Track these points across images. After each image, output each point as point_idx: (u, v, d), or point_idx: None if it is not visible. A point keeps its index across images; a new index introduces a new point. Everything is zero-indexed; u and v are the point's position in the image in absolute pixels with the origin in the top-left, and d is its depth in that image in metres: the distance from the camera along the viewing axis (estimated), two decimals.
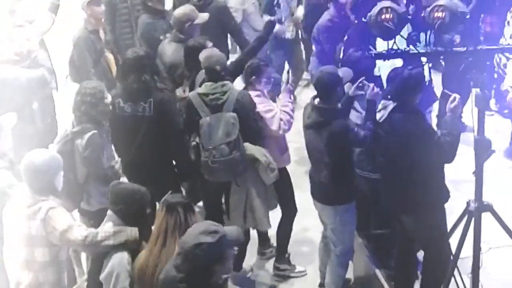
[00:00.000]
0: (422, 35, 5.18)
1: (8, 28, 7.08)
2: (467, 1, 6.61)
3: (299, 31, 8.85)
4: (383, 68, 5.75)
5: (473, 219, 5.05)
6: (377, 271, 5.33)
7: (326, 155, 5.39)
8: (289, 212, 6.07)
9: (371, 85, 5.31)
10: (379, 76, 5.79)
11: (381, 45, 5.29)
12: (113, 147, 5.71)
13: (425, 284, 5.44)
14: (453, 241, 5.25)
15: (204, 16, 6.74)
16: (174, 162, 5.94)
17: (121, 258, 4.35)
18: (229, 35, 7.69)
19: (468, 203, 5.10)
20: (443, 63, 7.62)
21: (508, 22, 6.80)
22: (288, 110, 5.84)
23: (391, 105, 5.12)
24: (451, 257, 5.13)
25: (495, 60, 5.13)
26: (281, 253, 6.21)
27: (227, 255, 3.75)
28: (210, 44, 6.17)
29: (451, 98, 5.01)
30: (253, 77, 5.88)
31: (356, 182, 5.59)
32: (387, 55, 5.10)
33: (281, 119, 5.80)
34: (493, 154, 5.10)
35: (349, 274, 5.88)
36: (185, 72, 6.30)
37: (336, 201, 5.51)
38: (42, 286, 4.61)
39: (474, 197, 5.06)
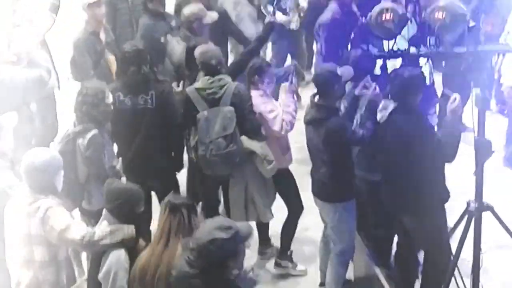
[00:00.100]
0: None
1: (8, 28, 7.09)
2: (467, 2, 6.60)
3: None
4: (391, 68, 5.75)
5: (473, 219, 5.04)
6: (378, 272, 5.33)
7: (324, 152, 5.43)
8: (296, 210, 6.10)
9: (373, 85, 5.32)
10: (379, 76, 5.79)
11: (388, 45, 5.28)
12: (114, 146, 5.73)
13: (425, 284, 5.44)
14: (454, 241, 5.26)
15: (213, 15, 6.78)
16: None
17: (118, 256, 4.38)
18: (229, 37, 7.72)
19: (468, 203, 5.10)
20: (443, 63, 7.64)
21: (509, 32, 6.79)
22: (290, 111, 5.84)
23: (391, 105, 5.12)
24: (451, 257, 5.13)
25: (492, 61, 5.14)
26: (284, 250, 6.23)
27: (240, 250, 3.80)
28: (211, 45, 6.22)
29: (451, 99, 5.01)
30: (256, 76, 5.90)
31: (355, 181, 5.60)
32: (387, 55, 5.11)
33: (283, 120, 5.81)
34: (493, 154, 5.11)
35: (350, 274, 5.88)
36: (185, 72, 6.33)
37: (334, 198, 5.53)
38: (41, 286, 4.62)
39: (475, 197, 5.06)
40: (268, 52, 9.38)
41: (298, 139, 6.33)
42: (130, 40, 7.49)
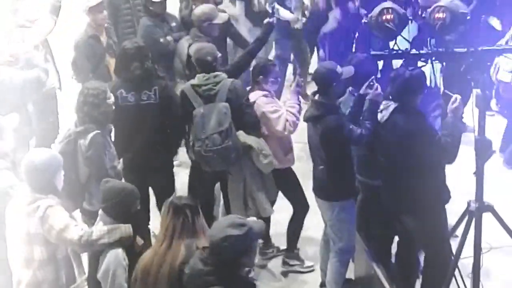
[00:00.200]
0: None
1: (8, 28, 7.09)
2: (468, 1, 6.61)
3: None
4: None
5: (474, 219, 5.05)
6: (378, 272, 5.33)
7: (322, 149, 5.46)
8: (301, 209, 6.12)
9: (376, 85, 5.32)
10: (381, 76, 5.79)
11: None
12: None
13: (425, 284, 5.44)
14: (454, 241, 5.26)
15: (223, 17, 6.84)
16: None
17: (116, 255, 4.40)
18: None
19: (468, 203, 5.09)
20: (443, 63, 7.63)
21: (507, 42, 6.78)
22: (294, 112, 5.85)
23: (392, 105, 5.13)
24: (452, 257, 5.13)
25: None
26: (291, 249, 6.26)
27: (253, 247, 3.83)
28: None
29: (452, 99, 5.01)
30: (261, 76, 5.93)
31: (354, 180, 5.61)
32: (388, 56, 5.10)
33: (287, 120, 5.82)
34: (494, 154, 5.11)
35: (350, 274, 5.88)
36: (186, 71, 6.35)
37: (332, 197, 5.55)
38: (40, 285, 4.63)
39: (475, 197, 5.06)
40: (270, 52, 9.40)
41: (301, 139, 6.34)
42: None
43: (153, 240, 5.41)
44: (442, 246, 5.22)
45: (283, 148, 5.99)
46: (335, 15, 7.23)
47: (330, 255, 5.72)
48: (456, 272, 5.14)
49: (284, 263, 6.28)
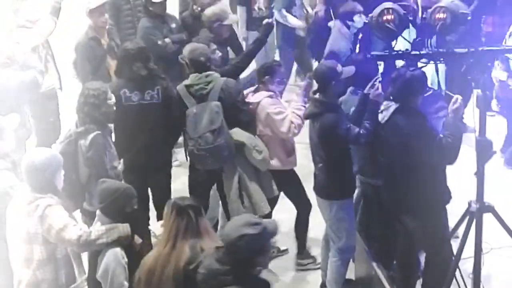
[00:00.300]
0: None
1: (8, 28, 7.09)
2: (469, 2, 6.61)
3: None
4: None
5: (474, 220, 5.04)
6: (379, 272, 5.33)
7: (320, 147, 5.49)
8: (303, 209, 6.13)
9: (377, 85, 5.32)
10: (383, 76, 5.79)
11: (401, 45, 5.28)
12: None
13: (426, 284, 5.44)
14: (455, 242, 5.26)
15: (234, 18, 6.92)
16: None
17: (114, 254, 4.41)
18: None
19: (469, 204, 5.09)
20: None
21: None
22: (300, 114, 5.86)
23: (393, 106, 5.12)
24: (453, 258, 5.13)
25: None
26: (302, 249, 6.28)
27: (268, 246, 3.83)
28: (213, 46, 6.34)
29: (453, 100, 5.00)
30: (267, 77, 5.93)
31: (353, 180, 5.60)
32: (388, 56, 5.10)
33: (292, 122, 5.82)
34: (494, 155, 5.11)
35: (351, 275, 5.88)
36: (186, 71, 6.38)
37: (331, 195, 5.57)
38: (40, 284, 4.64)
39: (476, 197, 5.06)
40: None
41: (304, 140, 6.35)
42: None
43: (153, 240, 5.45)
44: (443, 246, 5.22)
45: (286, 150, 6.00)
46: (336, 29, 7.13)
47: (330, 255, 5.74)
48: (457, 273, 5.14)
49: (298, 264, 6.29)
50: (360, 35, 5.37)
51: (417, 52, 5.07)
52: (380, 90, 5.27)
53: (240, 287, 3.72)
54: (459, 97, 5.00)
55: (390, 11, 5.06)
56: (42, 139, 7.05)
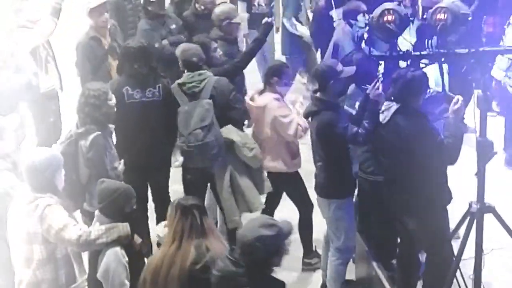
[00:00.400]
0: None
1: (8, 28, 7.10)
2: (469, 2, 6.61)
3: None
4: None
5: (475, 220, 5.04)
6: (380, 273, 5.33)
7: (319, 146, 5.51)
8: (306, 210, 6.14)
9: (377, 84, 5.31)
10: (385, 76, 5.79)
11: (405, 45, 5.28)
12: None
13: (427, 285, 5.43)
14: (455, 243, 5.25)
15: (243, 17, 7.01)
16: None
17: (115, 253, 4.42)
18: None
19: (470, 205, 5.09)
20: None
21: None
22: None
23: (394, 106, 5.12)
24: (453, 258, 5.13)
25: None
26: (309, 248, 6.29)
27: (284, 247, 3.85)
28: (215, 44, 6.35)
29: (454, 100, 5.00)
30: (275, 78, 5.93)
31: (353, 179, 5.60)
32: (390, 57, 5.10)
33: (299, 125, 5.82)
34: (495, 155, 5.10)
35: (352, 275, 5.88)
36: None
37: (329, 194, 5.58)
38: (40, 284, 4.65)
39: (476, 198, 5.05)
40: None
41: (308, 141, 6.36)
42: None
43: (153, 240, 5.45)
44: (444, 247, 5.21)
45: (291, 152, 6.01)
46: (340, 27, 7.15)
47: (329, 254, 5.75)
48: (458, 273, 5.13)
49: (305, 264, 6.29)
50: (366, 35, 5.36)
51: (418, 53, 5.06)
52: (380, 90, 5.26)
53: None
54: (460, 98, 4.99)
55: (391, 11, 5.05)
56: (43, 139, 7.05)
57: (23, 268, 4.65)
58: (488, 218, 5.09)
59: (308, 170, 6.12)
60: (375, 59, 5.29)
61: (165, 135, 5.96)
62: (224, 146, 5.82)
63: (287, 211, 6.23)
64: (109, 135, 5.45)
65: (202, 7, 7.41)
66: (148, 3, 7.35)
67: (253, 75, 8.52)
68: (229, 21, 6.79)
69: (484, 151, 4.98)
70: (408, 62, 5.10)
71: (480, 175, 5.04)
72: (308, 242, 6.26)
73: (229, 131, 5.87)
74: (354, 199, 5.78)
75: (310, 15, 8.94)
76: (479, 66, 4.95)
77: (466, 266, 5.29)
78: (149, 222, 6.22)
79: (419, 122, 5.05)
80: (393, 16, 5.04)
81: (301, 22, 8.66)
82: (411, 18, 5.15)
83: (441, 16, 5.00)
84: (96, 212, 4.61)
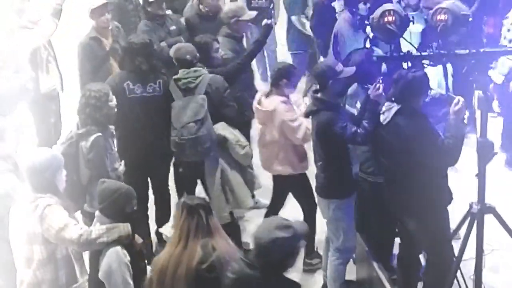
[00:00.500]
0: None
1: (8, 28, 7.11)
2: (470, 3, 6.61)
3: None
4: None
5: (475, 221, 5.05)
6: (380, 273, 5.33)
7: (318, 145, 5.53)
8: (310, 211, 6.14)
9: (378, 85, 5.31)
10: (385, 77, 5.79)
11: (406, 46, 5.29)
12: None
13: (427, 286, 5.43)
14: (456, 243, 5.26)
15: (251, 14, 6.98)
16: None
17: (116, 252, 4.42)
18: None
19: (470, 205, 5.10)
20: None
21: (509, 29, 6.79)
22: None
23: (395, 107, 5.12)
24: (454, 259, 5.13)
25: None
26: (311, 249, 6.30)
27: (299, 249, 3.85)
28: (217, 45, 6.37)
29: (454, 101, 5.00)
30: (284, 80, 5.93)
31: (352, 180, 5.60)
32: (390, 58, 5.10)
33: (308, 129, 5.82)
34: (496, 155, 5.11)
35: (352, 276, 5.88)
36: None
37: (329, 194, 5.59)
38: (41, 284, 4.65)
39: (477, 199, 5.06)
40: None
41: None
42: None
43: (154, 239, 5.46)
44: (444, 247, 5.21)
45: (298, 155, 6.00)
46: (343, 15, 7.21)
47: (329, 254, 5.75)
48: (458, 274, 5.13)
49: (306, 264, 6.29)
50: (371, 35, 5.37)
51: (418, 54, 5.07)
52: (381, 90, 5.27)
53: None
54: (461, 99, 4.99)
55: (391, 12, 5.05)
56: (43, 140, 7.07)
57: (24, 268, 4.66)
58: (489, 218, 5.09)
59: (309, 170, 6.13)
60: (376, 60, 5.29)
61: (165, 129, 6.00)
62: (216, 142, 5.87)
63: (289, 211, 6.23)
64: (110, 136, 5.45)
65: (207, 9, 7.42)
66: (147, 4, 7.35)
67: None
68: (237, 19, 6.82)
69: (485, 152, 4.99)
70: (409, 63, 5.09)
71: (481, 175, 5.04)
72: (309, 242, 6.27)
73: (222, 128, 5.94)
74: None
75: None
76: (479, 67, 4.95)
77: (467, 266, 5.28)
78: (149, 221, 6.25)
79: (420, 123, 5.05)
80: (394, 17, 5.04)
81: (307, 18, 8.66)
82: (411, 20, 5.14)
83: (441, 17, 5.00)
84: (97, 213, 4.61)
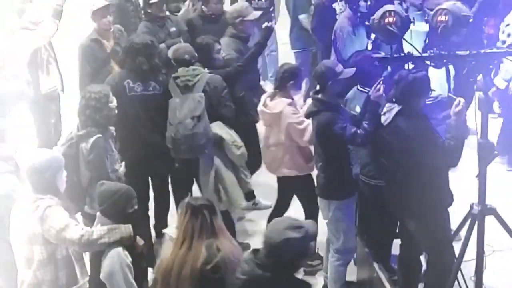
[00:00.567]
0: None
1: (8, 28, 7.11)
2: (470, 4, 6.61)
3: None
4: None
5: (476, 222, 5.04)
6: (381, 274, 5.33)
7: (318, 146, 5.54)
8: (313, 212, 6.09)
9: (379, 86, 5.31)
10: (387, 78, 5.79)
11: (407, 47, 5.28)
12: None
13: (428, 287, 5.43)
14: (457, 244, 5.26)
15: (256, 14, 6.99)
16: None
17: (118, 253, 4.42)
18: None
19: (471, 206, 5.09)
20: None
21: (509, 34, 6.79)
22: None
23: (395, 108, 5.12)
24: (455, 260, 5.13)
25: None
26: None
27: (310, 249, 3.84)
28: (218, 46, 6.37)
29: (455, 102, 4.99)
30: (291, 81, 5.93)
31: (353, 181, 5.60)
32: (391, 59, 5.10)
33: None
34: (496, 157, 5.11)
35: (353, 277, 5.88)
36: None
37: (329, 195, 5.59)
38: (41, 285, 4.65)
39: (478, 200, 5.05)
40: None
41: None
42: None
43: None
44: (445, 249, 5.21)
45: (304, 156, 5.99)
46: (344, 15, 7.22)
47: (329, 255, 5.75)
48: (459, 275, 5.13)
49: (307, 265, 6.27)
50: (373, 36, 5.37)
51: (419, 55, 5.06)
52: (381, 91, 5.27)
53: None
54: (462, 100, 4.99)
55: (392, 13, 5.05)
56: (44, 140, 7.06)
57: (25, 269, 4.66)
58: (489, 219, 5.09)
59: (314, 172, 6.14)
60: (377, 61, 5.28)
61: (165, 128, 6.02)
62: (212, 140, 5.89)
63: (288, 211, 6.24)
64: (110, 137, 5.44)
65: (210, 11, 7.43)
66: (148, 5, 7.35)
67: None
68: (242, 19, 6.83)
69: (485, 153, 4.98)
70: (410, 64, 5.09)
71: (481, 176, 5.04)
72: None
73: (218, 128, 5.95)
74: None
75: None
76: (480, 68, 4.95)
77: (468, 267, 5.28)
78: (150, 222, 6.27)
79: (421, 124, 5.04)
80: (394, 18, 5.04)
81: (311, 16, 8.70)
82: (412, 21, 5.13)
83: (442, 18, 4.99)
84: (98, 214, 4.61)
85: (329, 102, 5.46)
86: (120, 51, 6.88)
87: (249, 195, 6.75)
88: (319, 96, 5.51)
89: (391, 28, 5.04)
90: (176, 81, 5.98)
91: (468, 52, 4.93)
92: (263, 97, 6.10)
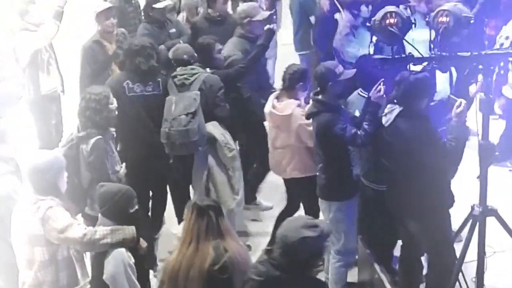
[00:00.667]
0: None
1: (8, 29, 7.11)
2: (471, 5, 6.61)
3: None
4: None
5: (477, 223, 5.04)
6: (382, 276, 5.33)
7: (319, 147, 5.55)
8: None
9: (380, 87, 5.30)
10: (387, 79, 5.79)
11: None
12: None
13: None
14: (458, 245, 5.26)
15: (264, 14, 6.99)
16: None
17: (121, 254, 4.41)
18: None
19: (472, 207, 5.09)
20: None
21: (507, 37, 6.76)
22: None
23: (397, 109, 5.12)
24: (456, 261, 5.13)
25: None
26: None
27: (325, 248, 3.82)
28: (219, 46, 6.38)
29: (456, 103, 5.00)
30: (300, 83, 5.93)
31: (353, 182, 5.60)
32: (392, 60, 5.09)
33: None
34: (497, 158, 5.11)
35: (354, 278, 5.88)
36: None
37: (329, 196, 5.59)
38: (41, 286, 4.64)
39: (479, 201, 5.05)
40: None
41: None
42: None
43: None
44: (446, 250, 5.21)
45: (312, 157, 5.97)
46: (345, 19, 7.20)
47: (330, 256, 5.74)
48: (460, 276, 5.13)
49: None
50: (375, 38, 5.36)
51: (420, 56, 5.06)
52: (382, 92, 5.27)
53: None
54: (463, 101, 4.99)
55: (393, 14, 5.04)
56: (44, 141, 7.07)
57: (26, 269, 4.66)
58: (491, 221, 5.09)
59: None
60: (377, 62, 5.28)
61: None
62: (206, 138, 5.90)
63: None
64: (111, 139, 5.44)
65: (216, 13, 7.43)
66: (150, 9, 7.36)
67: None
68: (250, 19, 6.82)
69: (487, 154, 4.99)
70: (411, 65, 5.09)
71: (483, 178, 5.04)
72: None
73: (213, 128, 5.97)
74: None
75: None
76: (481, 69, 4.95)
77: (469, 268, 5.29)
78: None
79: (422, 125, 5.04)
80: (395, 19, 5.03)
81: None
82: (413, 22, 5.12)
83: (443, 19, 4.98)
84: (99, 216, 4.61)
85: (329, 103, 5.46)
86: (121, 54, 6.89)
87: (251, 196, 6.76)
88: (320, 97, 5.51)
89: (392, 29, 5.03)
90: (174, 80, 6.02)
91: (469, 53, 4.94)
92: (270, 98, 6.08)
